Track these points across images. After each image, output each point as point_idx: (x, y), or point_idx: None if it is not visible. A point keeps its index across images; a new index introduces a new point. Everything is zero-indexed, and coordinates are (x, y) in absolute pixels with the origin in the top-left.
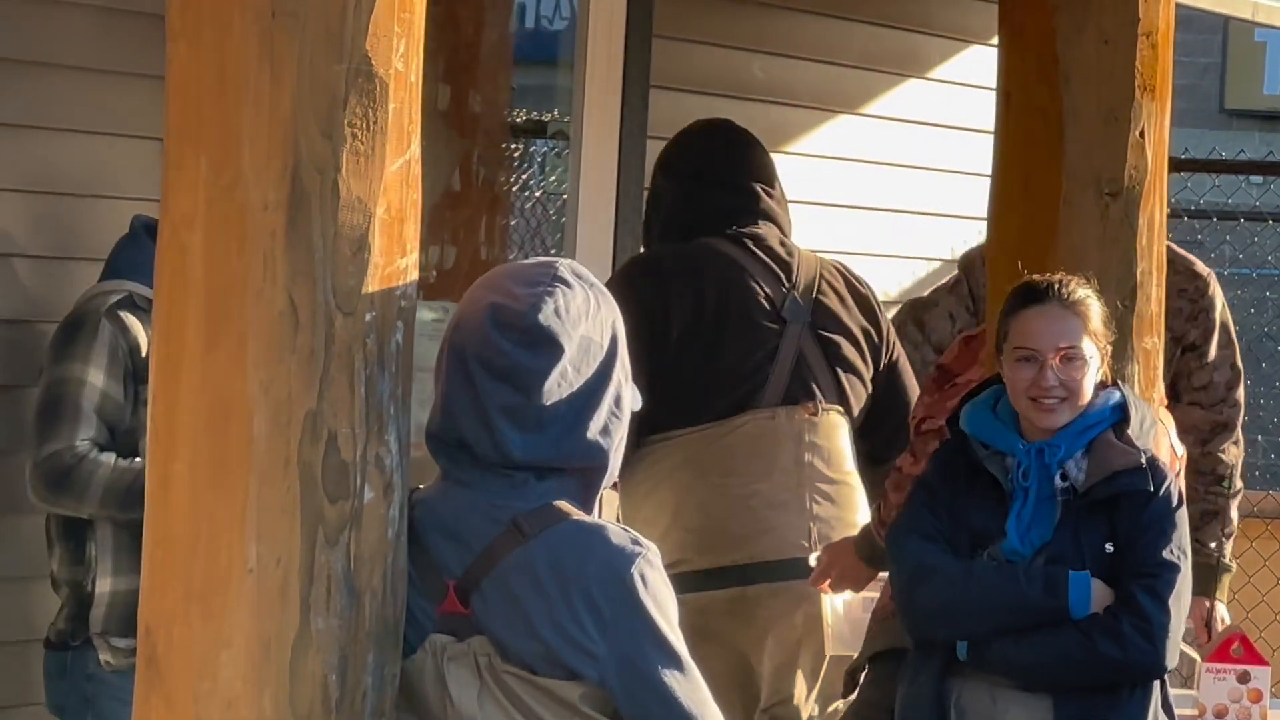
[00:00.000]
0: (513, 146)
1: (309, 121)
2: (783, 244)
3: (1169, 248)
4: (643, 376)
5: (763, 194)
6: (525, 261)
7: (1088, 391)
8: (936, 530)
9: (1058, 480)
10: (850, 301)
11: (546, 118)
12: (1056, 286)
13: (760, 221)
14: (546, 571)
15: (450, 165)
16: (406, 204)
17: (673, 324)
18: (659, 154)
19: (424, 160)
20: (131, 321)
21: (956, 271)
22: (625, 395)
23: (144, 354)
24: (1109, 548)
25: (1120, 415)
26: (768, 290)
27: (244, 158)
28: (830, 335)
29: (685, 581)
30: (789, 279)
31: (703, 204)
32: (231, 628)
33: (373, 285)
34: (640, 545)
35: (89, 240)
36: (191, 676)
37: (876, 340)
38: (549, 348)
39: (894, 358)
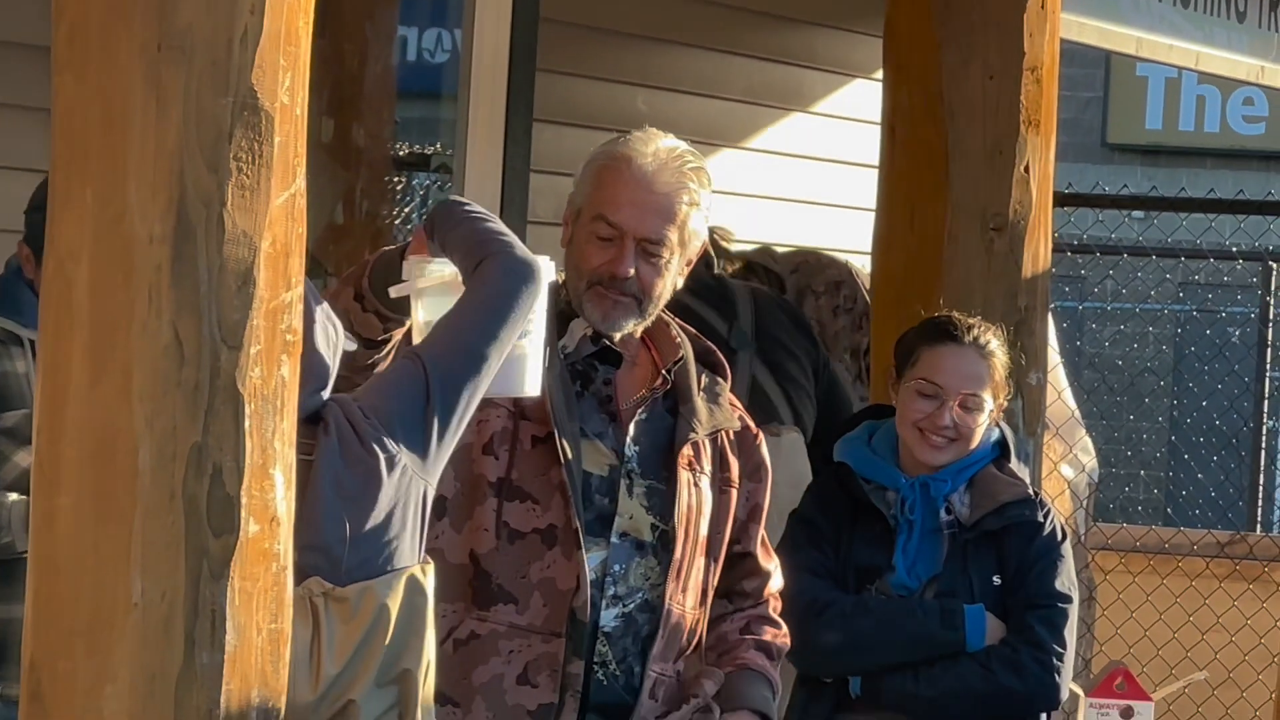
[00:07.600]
0: (396, 180)
1: (195, 154)
2: (714, 276)
3: (809, 253)
4: None
5: None
6: None
7: (977, 439)
8: (824, 566)
9: (943, 514)
10: (786, 322)
11: (430, 151)
12: (976, 331)
13: None
14: None
15: (334, 199)
16: (292, 238)
17: None
18: None
19: (308, 193)
20: None
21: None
22: None
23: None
24: (997, 580)
25: (999, 451)
26: (713, 324)
27: (130, 191)
28: (777, 359)
29: None
30: (731, 309)
31: None
32: (116, 663)
33: (258, 319)
34: None
35: None
36: (76, 712)
37: (815, 356)
38: None
39: (830, 369)
